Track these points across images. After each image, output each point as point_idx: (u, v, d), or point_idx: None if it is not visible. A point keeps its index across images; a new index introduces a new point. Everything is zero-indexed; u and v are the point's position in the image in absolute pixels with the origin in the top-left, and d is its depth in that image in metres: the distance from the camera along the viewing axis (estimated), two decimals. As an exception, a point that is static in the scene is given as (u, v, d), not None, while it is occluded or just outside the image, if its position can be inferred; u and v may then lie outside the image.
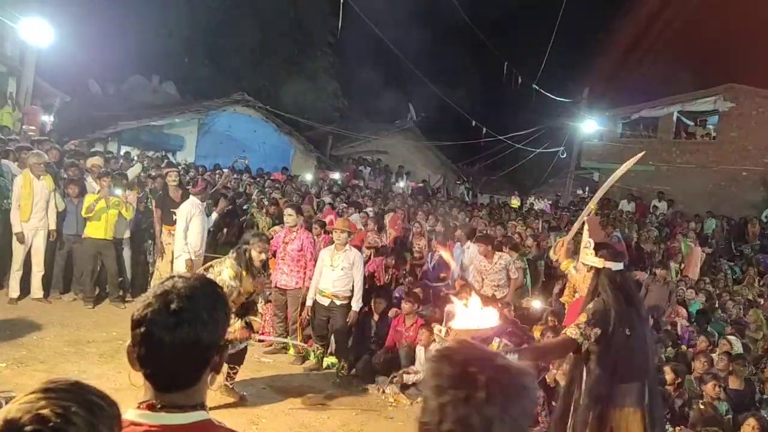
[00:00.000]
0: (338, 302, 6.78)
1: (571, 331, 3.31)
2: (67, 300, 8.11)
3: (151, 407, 1.37)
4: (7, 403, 1.62)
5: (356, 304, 6.82)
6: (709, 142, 20.30)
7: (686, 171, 19.67)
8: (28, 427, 1.02)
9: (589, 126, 21.04)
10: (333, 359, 7.09)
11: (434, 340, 6.58)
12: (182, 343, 1.35)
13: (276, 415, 5.53)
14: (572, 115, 20.93)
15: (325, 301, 6.79)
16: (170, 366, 1.37)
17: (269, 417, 5.46)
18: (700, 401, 5.62)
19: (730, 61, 20.53)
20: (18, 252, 7.59)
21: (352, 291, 6.80)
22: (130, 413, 1.36)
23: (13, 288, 7.63)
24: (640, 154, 4.49)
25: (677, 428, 5.06)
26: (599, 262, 3.35)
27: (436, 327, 6.47)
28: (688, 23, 21.45)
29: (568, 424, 3.33)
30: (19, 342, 6.33)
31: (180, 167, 12.97)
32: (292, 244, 7.12)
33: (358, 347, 7.12)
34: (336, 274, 6.72)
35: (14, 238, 7.56)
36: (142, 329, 1.36)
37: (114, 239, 8.07)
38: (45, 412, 1.05)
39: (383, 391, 6.64)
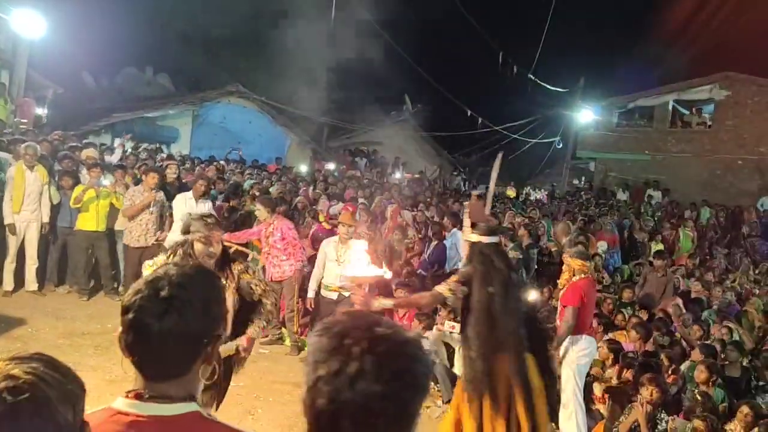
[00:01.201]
0: (347, 294, 6.74)
1: (441, 288, 3.97)
2: (62, 292, 8.09)
3: (138, 396, 1.35)
4: None
5: None
6: (705, 130, 20.30)
7: (682, 160, 19.68)
8: (1, 385, 1.03)
9: (585, 116, 21.03)
10: None
11: (439, 330, 6.59)
12: (170, 331, 1.32)
13: (272, 405, 5.53)
14: (568, 105, 20.92)
15: (333, 295, 6.73)
16: (158, 355, 1.34)
17: (265, 408, 5.46)
18: (695, 389, 5.64)
19: (726, 50, 20.51)
20: (11, 244, 7.56)
21: None
22: (118, 402, 1.35)
23: (7, 281, 7.60)
24: (499, 156, 5.16)
25: (671, 417, 5.08)
26: (475, 237, 3.96)
27: (447, 324, 6.44)
28: (684, 11, 21.43)
29: (464, 376, 3.90)
30: (14, 335, 6.32)
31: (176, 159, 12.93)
32: (272, 236, 7.09)
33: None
34: (341, 268, 6.58)
35: (6, 230, 7.52)
36: (130, 315, 1.34)
37: (107, 230, 8.03)
38: (15, 371, 1.06)
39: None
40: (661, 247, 11.63)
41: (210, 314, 1.39)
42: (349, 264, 3.97)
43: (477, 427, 3.71)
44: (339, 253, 6.66)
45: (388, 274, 4.02)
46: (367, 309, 4.02)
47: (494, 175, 5.13)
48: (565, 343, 5.30)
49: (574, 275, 5.45)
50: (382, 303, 4.12)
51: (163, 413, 1.33)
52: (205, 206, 7.63)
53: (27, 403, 1.04)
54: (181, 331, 1.33)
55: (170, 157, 12.57)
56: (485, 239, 3.95)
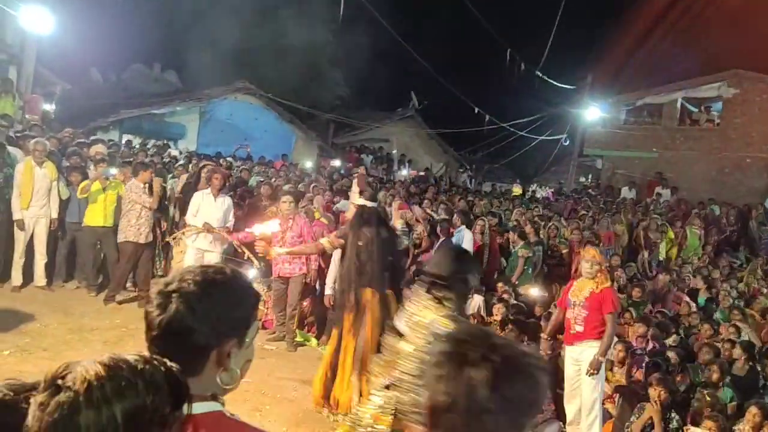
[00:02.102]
0: None
1: (323, 240, 5.45)
2: (70, 288, 8.12)
3: None
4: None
5: None
6: (713, 128, 20.17)
7: (690, 158, 19.57)
8: (59, 381, 1.11)
9: (593, 113, 20.92)
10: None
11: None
12: (170, 324, 1.34)
13: (279, 401, 5.54)
14: (575, 102, 20.82)
15: None
16: (163, 349, 1.35)
17: (273, 404, 5.47)
18: (703, 390, 5.61)
19: (735, 47, 20.35)
20: (20, 240, 7.59)
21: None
22: None
23: (16, 276, 7.63)
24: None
25: (686, 427, 5.04)
26: (362, 201, 5.25)
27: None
28: (693, 9, 21.29)
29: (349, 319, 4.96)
30: (23, 330, 6.35)
31: (182, 155, 12.95)
32: (290, 231, 7.01)
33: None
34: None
35: (15, 225, 7.55)
36: (146, 307, 1.40)
37: (114, 226, 8.05)
38: (78, 372, 1.12)
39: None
40: (672, 248, 11.63)
41: (219, 318, 1.37)
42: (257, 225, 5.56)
43: (338, 336, 5.07)
44: None
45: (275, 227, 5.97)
46: (268, 256, 6.21)
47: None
48: (595, 348, 5.20)
49: (606, 281, 5.36)
50: (277, 251, 5.96)
51: (187, 411, 1.34)
52: (225, 202, 7.55)
53: None
54: (181, 326, 1.34)
55: (208, 158, 12.37)
56: (369, 203, 5.26)
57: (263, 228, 5.69)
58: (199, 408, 1.35)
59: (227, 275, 1.45)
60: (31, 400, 1.13)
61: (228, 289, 1.42)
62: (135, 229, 7.57)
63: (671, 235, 12.05)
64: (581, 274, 5.47)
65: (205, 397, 1.38)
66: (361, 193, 5.50)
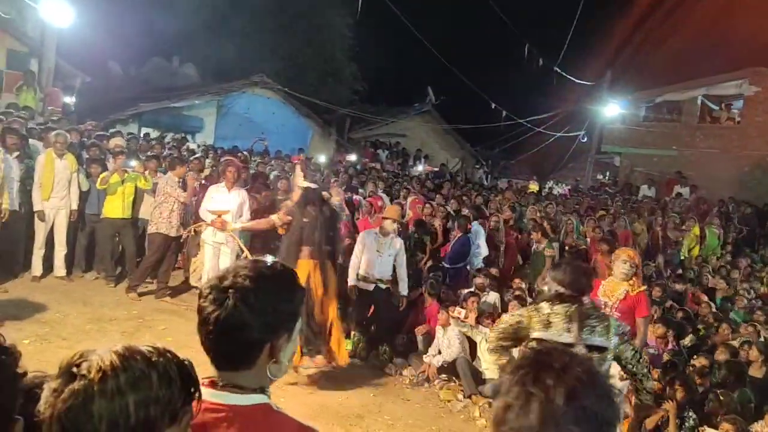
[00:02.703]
0: (383, 286, 6.83)
1: (273, 216, 6.26)
2: (90, 278, 8.21)
3: (213, 384, 1.40)
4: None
5: (405, 290, 6.90)
6: (733, 126, 19.92)
7: (710, 156, 19.32)
8: (74, 369, 1.15)
9: (612, 110, 20.73)
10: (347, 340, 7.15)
11: (451, 322, 6.61)
12: (226, 320, 1.36)
13: (295, 395, 5.56)
14: (594, 99, 20.63)
15: (370, 287, 6.81)
16: (219, 343, 1.39)
17: (288, 397, 5.49)
18: (718, 390, 5.56)
19: (756, 45, 20.04)
20: (40, 230, 7.69)
21: (393, 275, 6.86)
22: None
23: (36, 266, 7.73)
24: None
25: (701, 428, 4.99)
26: (306, 184, 6.07)
27: (456, 309, 6.53)
28: (714, 5, 20.99)
29: None
30: (43, 319, 6.43)
31: (200, 149, 13.02)
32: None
33: (379, 330, 7.13)
34: (383, 260, 6.77)
35: (35, 216, 7.65)
36: (199, 302, 1.42)
37: (133, 218, 8.11)
38: (93, 361, 1.15)
39: (400, 373, 6.67)
40: (696, 246, 11.50)
41: (273, 313, 1.40)
42: (213, 202, 6.41)
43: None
44: (381, 243, 6.73)
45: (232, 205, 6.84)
46: (223, 230, 6.93)
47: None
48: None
49: (642, 285, 5.26)
50: (234, 226, 6.70)
51: (236, 402, 1.38)
52: (239, 195, 7.47)
53: None
54: (237, 321, 1.36)
55: (231, 153, 12.41)
56: (312, 185, 6.15)
57: (218, 206, 6.43)
58: (247, 400, 1.39)
59: (277, 270, 1.48)
60: (45, 386, 1.15)
61: (280, 284, 1.45)
62: (167, 221, 7.64)
63: (696, 231, 11.92)
64: (610, 274, 5.35)
65: (254, 389, 1.41)
66: (304, 177, 6.29)
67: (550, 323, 3.41)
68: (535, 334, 3.44)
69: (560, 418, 1.05)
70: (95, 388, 1.11)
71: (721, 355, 6.27)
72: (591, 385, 1.09)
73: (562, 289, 3.45)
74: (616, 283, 5.20)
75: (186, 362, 1.25)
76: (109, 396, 1.11)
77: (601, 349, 3.38)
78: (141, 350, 1.20)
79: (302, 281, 4.98)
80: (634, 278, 5.16)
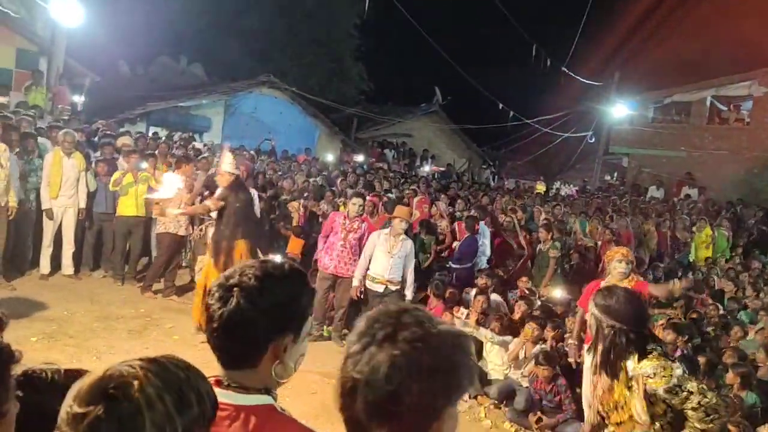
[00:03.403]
0: (393, 288, 6.77)
1: (207, 202, 6.82)
2: (97, 277, 8.25)
3: (218, 383, 1.39)
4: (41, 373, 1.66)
5: (410, 294, 6.86)
6: (743, 127, 19.82)
7: (718, 157, 19.23)
8: (111, 391, 1.03)
9: (620, 110, 20.65)
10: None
11: (455, 322, 6.59)
12: (231, 318, 1.36)
13: (299, 395, 5.56)
14: (602, 99, 20.56)
15: (380, 288, 6.76)
16: (224, 341, 1.39)
17: (292, 397, 5.49)
18: (727, 393, 5.52)
19: (765, 45, 19.92)
20: (48, 229, 7.73)
21: (402, 278, 6.82)
22: None
23: (44, 264, 7.78)
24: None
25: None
26: (234, 171, 6.57)
27: (459, 310, 6.50)
28: (723, 6, 20.86)
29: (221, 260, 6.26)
30: (50, 317, 6.47)
31: (206, 148, 13.05)
32: (355, 233, 6.99)
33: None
34: (393, 261, 6.71)
35: (44, 214, 7.69)
36: (206, 299, 1.42)
37: (146, 217, 8.14)
38: (135, 384, 1.03)
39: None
40: (704, 249, 11.45)
41: (279, 312, 1.40)
42: (159, 190, 6.72)
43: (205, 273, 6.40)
44: (391, 245, 6.70)
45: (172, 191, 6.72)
46: (163, 216, 7.44)
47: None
48: None
49: (635, 279, 5.27)
50: (173, 211, 6.99)
51: (240, 402, 1.38)
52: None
53: None
54: (241, 319, 1.36)
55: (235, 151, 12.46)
56: (237, 171, 6.66)
57: (162, 193, 6.75)
58: (252, 400, 1.39)
59: (285, 270, 1.47)
60: (66, 408, 1.03)
61: (287, 284, 1.45)
62: (175, 221, 7.68)
63: (708, 231, 11.86)
64: (610, 273, 5.37)
65: (258, 390, 1.41)
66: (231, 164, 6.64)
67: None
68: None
69: (392, 391, 1.06)
70: (145, 414, 1.01)
71: (729, 359, 6.24)
72: (420, 350, 1.08)
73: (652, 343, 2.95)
74: (616, 283, 5.21)
75: (209, 380, 1.22)
76: (159, 422, 1.03)
77: None
78: (174, 371, 1.11)
79: (232, 259, 5.81)
80: (632, 275, 5.22)
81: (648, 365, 2.86)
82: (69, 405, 1.02)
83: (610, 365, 2.95)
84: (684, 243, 11.86)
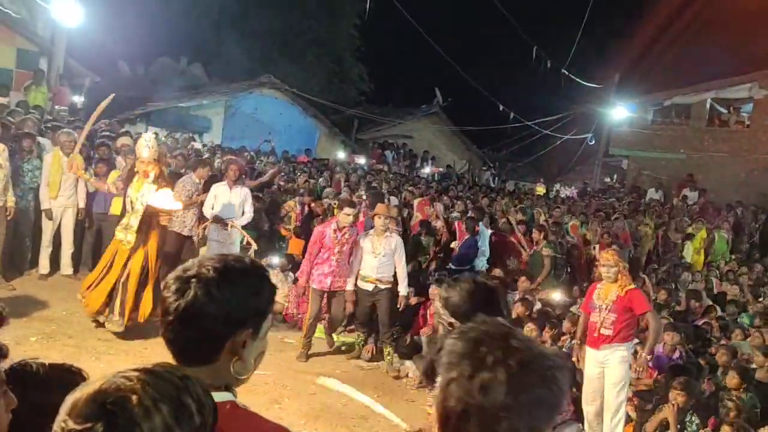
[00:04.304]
0: (382, 287, 6.64)
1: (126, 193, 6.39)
2: (96, 277, 8.23)
3: None
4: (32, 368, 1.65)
5: (404, 290, 6.71)
6: (743, 130, 19.82)
7: (719, 159, 19.23)
8: (109, 405, 0.98)
9: (620, 112, 20.66)
10: (350, 338, 7.13)
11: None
12: (187, 310, 1.33)
13: (298, 395, 5.57)
14: (602, 101, 20.57)
15: (369, 287, 6.65)
16: (179, 335, 1.36)
17: (292, 397, 5.50)
18: (727, 395, 5.52)
19: (766, 48, 19.93)
20: (47, 229, 7.72)
21: (394, 276, 6.69)
22: None
23: (43, 264, 7.77)
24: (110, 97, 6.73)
25: (702, 430, 4.96)
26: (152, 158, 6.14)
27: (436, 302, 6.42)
28: (724, 8, 20.87)
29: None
30: (49, 317, 6.47)
31: (206, 147, 13.07)
32: (347, 244, 6.62)
33: (383, 331, 7.11)
34: (378, 260, 6.56)
35: (43, 214, 7.68)
36: (162, 292, 1.39)
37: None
38: (133, 398, 0.99)
39: (406, 375, 6.66)
40: (697, 248, 11.44)
41: (237, 306, 1.36)
42: (154, 197, 6.01)
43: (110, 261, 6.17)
44: (375, 245, 6.61)
45: (178, 206, 6.41)
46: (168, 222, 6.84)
47: (98, 111, 6.71)
48: (623, 352, 5.17)
49: (630, 283, 5.29)
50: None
51: None
52: (241, 192, 7.51)
53: None
54: (197, 312, 1.32)
55: (233, 152, 12.48)
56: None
57: (159, 203, 6.09)
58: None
59: (246, 264, 1.44)
60: (60, 424, 0.99)
61: (247, 278, 1.41)
62: (180, 220, 7.66)
63: (703, 234, 11.86)
64: (602, 277, 5.41)
65: (218, 387, 1.36)
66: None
67: None
68: None
69: (501, 417, 1.07)
70: (144, 428, 0.98)
71: (722, 357, 6.23)
72: (529, 375, 1.09)
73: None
74: (608, 286, 5.29)
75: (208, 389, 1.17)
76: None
77: None
78: (173, 380, 1.06)
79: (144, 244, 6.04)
80: (620, 277, 5.21)
81: None
82: (64, 420, 0.98)
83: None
84: (674, 244, 11.87)
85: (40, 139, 8.27)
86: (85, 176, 6.89)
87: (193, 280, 1.34)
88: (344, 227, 6.58)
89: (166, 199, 6.04)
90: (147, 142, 6.10)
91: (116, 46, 17.95)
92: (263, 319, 1.44)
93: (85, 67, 15.98)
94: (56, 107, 12.63)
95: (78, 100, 14.74)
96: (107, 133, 10.40)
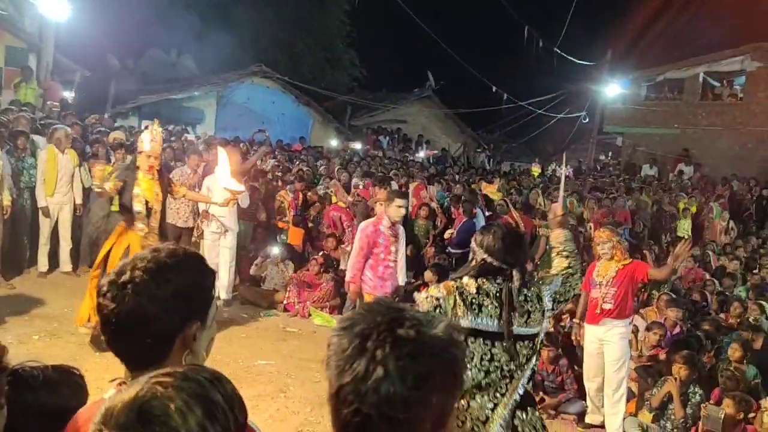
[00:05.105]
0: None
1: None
2: (95, 273, 8.23)
3: (122, 386, 1.31)
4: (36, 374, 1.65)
5: (402, 278, 6.44)
6: (736, 103, 19.82)
7: (712, 133, 19.24)
8: (146, 413, 0.96)
9: (613, 89, 20.64)
10: None
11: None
12: (129, 316, 1.28)
13: (303, 383, 5.60)
14: (595, 79, 20.53)
15: None
16: (124, 342, 1.31)
17: (297, 385, 5.53)
18: (728, 367, 5.58)
19: (757, 20, 19.86)
20: (45, 226, 7.69)
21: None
22: (109, 392, 1.32)
23: (42, 262, 7.75)
24: None
25: (704, 404, 5.01)
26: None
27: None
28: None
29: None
30: (51, 314, 6.46)
31: (199, 139, 13.01)
32: (399, 241, 6.08)
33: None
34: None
35: (40, 212, 7.66)
36: (97, 300, 1.32)
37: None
38: (170, 405, 0.97)
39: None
40: (689, 223, 11.48)
41: (180, 301, 1.32)
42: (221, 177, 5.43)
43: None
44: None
45: (242, 187, 5.93)
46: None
47: None
48: (621, 328, 5.21)
49: (627, 258, 5.33)
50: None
51: None
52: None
53: None
54: (141, 316, 1.28)
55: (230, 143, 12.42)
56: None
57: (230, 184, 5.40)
58: None
59: (181, 257, 1.38)
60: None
61: (184, 272, 1.36)
62: (174, 212, 7.64)
63: (693, 209, 11.91)
64: (600, 255, 5.46)
65: None
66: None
67: (480, 307, 2.73)
68: (463, 323, 2.67)
69: (394, 393, 0.97)
70: (180, 430, 0.96)
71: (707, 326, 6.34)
72: (421, 359, 1.00)
73: (490, 259, 2.79)
74: (606, 263, 5.35)
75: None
76: None
77: (533, 336, 2.85)
78: (205, 382, 1.03)
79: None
80: (616, 253, 5.28)
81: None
82: (99, 429, 0.96)
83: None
84: (669, 219, 11.92)
85: (33, 136, 8.22)
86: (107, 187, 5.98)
87: (129, 285, 1.29)
88: (396, 221, 5.98)
89: (233, 182, 5.40)
90: (153, 135, 5.83)
91: (105, 40, 17.77)
92: (209, 307, 1.40)
93: (75, 62, 15.84)
94: (48, 103, 12.52)
95: (69, 95, 14.63)
96: (101, 129, 10.36)
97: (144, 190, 5.70)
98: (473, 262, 2.88)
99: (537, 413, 2.89)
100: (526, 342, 2.81)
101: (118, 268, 1.33)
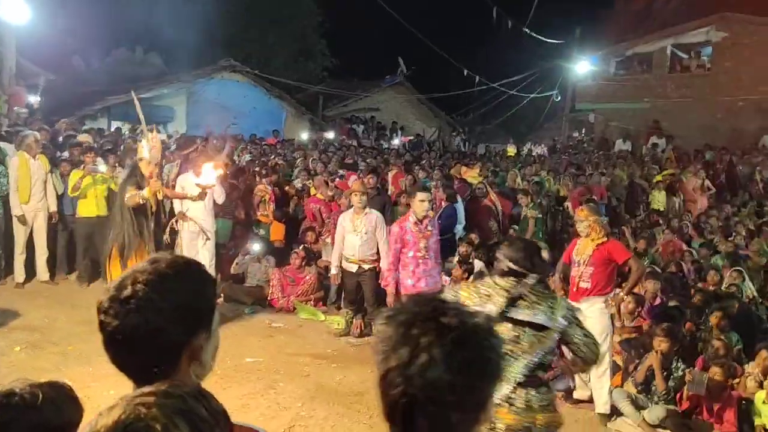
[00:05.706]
0: (366, 266, 6.64)
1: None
2: (73, 280, 8.10)
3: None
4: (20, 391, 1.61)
5: (386, 265, 6.50)
6: (704, 74, 20.06)
7: (682, 105, 19.48)
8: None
9: (582, 66, 20.79)
10: (338, 318, 7.16)
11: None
12: (134, 333, 1.24)
13: (292, 378, 5.59)
14: (565, 57, 20.65)
15: (353, 267, 6.65)
16: (132, 359, 1.28)
17: (286, 380, 5.52)
18: (712, 336, 5.68)
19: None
20: (20, 235, 7.55)
21: (378, 254, 6.64)
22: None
23: (19, 272, 7.61)
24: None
25: (688, 369, 5.11)
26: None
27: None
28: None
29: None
30: (32, 325, 6.36)
31: (171, 138, 12.84)
32: (433, 236, 6.17)
33: (370, 308, 7.14)
34: (360, 239, 6.51)
35: (15, 221, 7.51)
36: (99, 317, 1.28)
37: (107, 216, 7.99)
38: (155, 425, 0.95)
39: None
40: (663, 195, 11.61)
41: (186, 312, 1.29)
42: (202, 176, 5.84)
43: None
44: (356, 223, 6.57)
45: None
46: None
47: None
48: (601, 304, 5.26)
49: (602, 236, 5.36)
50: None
51: None
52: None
53: None
54: (147, 332, 1.25)
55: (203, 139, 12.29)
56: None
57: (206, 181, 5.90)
58: None
59: (181, 266, 1.36)
60: None
61: (186, 281, 1.33)
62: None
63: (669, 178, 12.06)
64: (580, 233, 5.53)
65: None
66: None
67: (489, 297, 3.17)
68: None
69: (441, 380, 1.07)
70: None
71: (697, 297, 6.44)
72: (464, 337, 1.10)
73: (515, 267, 3.22)
74: (585, 242, 5.41)
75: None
76: None
77: (541, 328, 3.14)
78: (189, 399, 1.03)
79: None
80: (592, 231, 5.33)
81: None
82: None
83: None
84: (642, 190, 12.06)
85: (0, 144, 8.05)
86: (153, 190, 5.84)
87: (131, 300, 1.25)
88: (424, 217, 6.01)
89: (209, 175, 5.86)
90: (152, 143, 5.70)
91: (69, 42, 17.43)
92: (212, 316, 1.39)
93: (38, 65, 15.51)
94: (15, 109, 12.24)
95: (34, 99, 14.32)
96: (71, 133, 10.18)
97: (148, 195, 5.68)
98: (499, 269, 3.32)
99: (540, 394, 3.09)
100: (533, 331, 3.10)
101: (117, 283, 1.30)
